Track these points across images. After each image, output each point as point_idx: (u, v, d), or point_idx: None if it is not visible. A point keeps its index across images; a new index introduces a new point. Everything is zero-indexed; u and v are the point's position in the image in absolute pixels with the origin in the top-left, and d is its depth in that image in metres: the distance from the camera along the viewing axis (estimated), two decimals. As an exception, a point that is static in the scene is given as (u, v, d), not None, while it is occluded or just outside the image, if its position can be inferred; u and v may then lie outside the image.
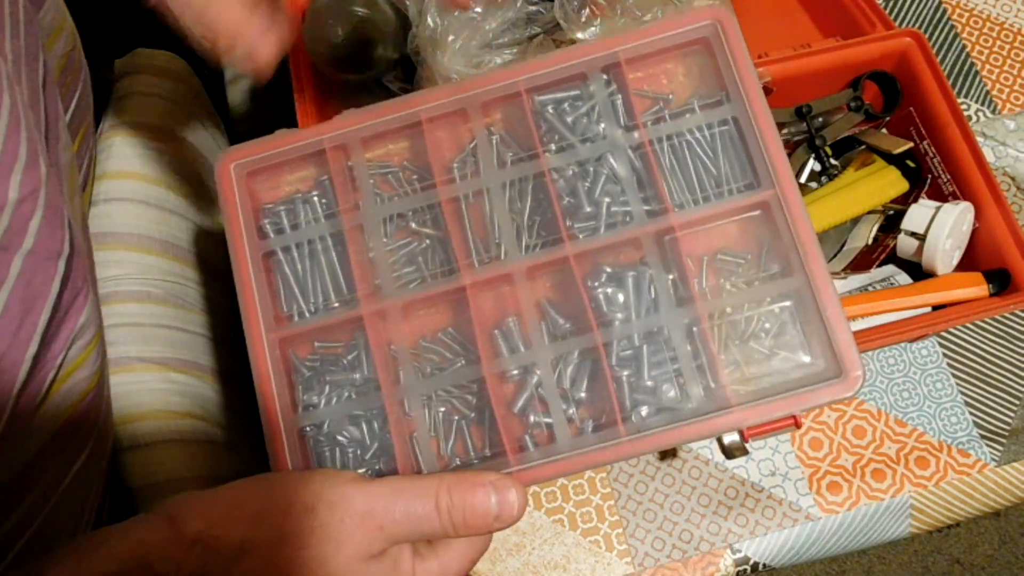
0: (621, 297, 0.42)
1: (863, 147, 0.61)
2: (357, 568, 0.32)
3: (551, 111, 0.44)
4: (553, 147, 0.43)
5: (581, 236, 0.42)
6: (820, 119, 0.61)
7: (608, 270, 0.43)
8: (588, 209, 0.43)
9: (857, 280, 0.58)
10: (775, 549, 0.58)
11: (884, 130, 0.62)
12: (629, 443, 0.39)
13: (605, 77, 0.44)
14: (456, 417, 0.42)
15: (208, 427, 0.56)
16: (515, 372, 0.42)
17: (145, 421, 0.53)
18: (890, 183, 0.58)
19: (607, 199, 0.43)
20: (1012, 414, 0.60)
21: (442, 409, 0.42)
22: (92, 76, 0.63)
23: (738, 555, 0.57)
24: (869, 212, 0.58)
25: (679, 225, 0.41)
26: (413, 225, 0.44)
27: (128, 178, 0.60)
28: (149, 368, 0.55)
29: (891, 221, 0.58)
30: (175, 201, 0.62)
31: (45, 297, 0.37)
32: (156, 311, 0.57)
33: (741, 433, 0.40)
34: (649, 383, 0.40)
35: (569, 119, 0.44)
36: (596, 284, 0.42)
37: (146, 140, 0.62)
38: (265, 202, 0.45)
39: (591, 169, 0.43)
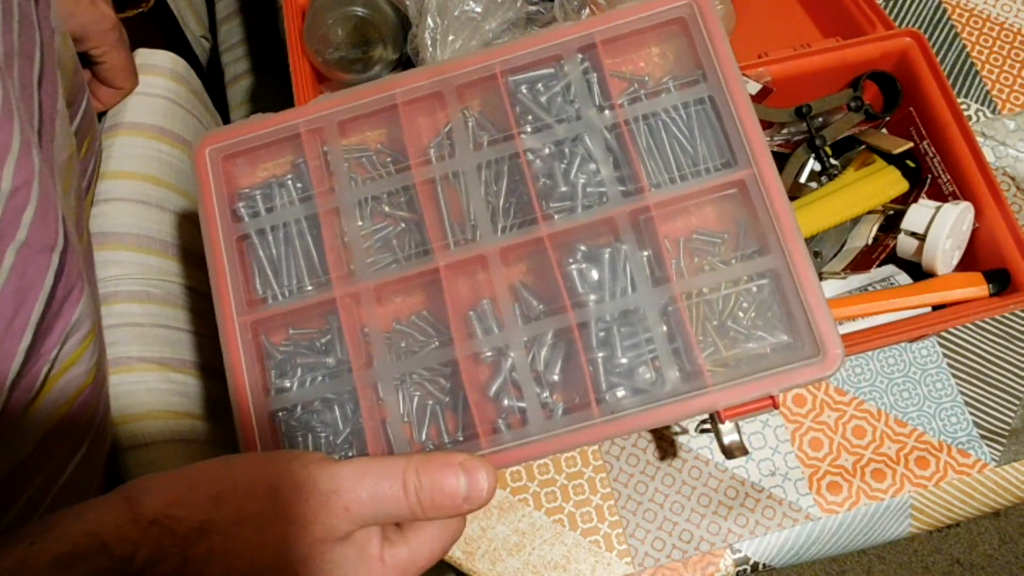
0: (596, 275, 0.41)
1: (863, 147, 0.61)
2: (321, 550, 0.31)
3: (526, 92, 0.44)
4: (529, 128, 0.43)
5: (556, 217, 0.42)
6: (820, 119, 0.61)
7: (583, 248, 0.42)
8: (564, 189, 0.42)
9: (857, 280, 0.57)
10: (775, 549, 0.58)
11: (884, 130, 0.62)
12: (603, 425, 0.38)
13: (580, 58, 0.44)
14: (430, 402, 0.42)
15: (208, 427, 0.56)
16: (489, 354, 0.41)
17: (145, 421, 0.53)
18: (890, 183, 0.58)
19: (583, 180, 0.42)
20: (1012, 414, 0.60)
21: (416, 394, 0.42)
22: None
23: (738, 555, 0.57)
24: (869, 212, 0.58)
25: (655, 205, 0.41)
26: (387, 208, 0.44)
27: (128, 178, 0.60)
28: (149, 368, 0.55)
29: (891, 221, 0.58)
30: (175, 201, 0.62)
31: (39, 290, 0.36)
32: (156, 311, 0.57)
33: (717, 414, 0.39)
34: (624, 364, 0.40)
35: (544, 99, 0.44)
36: (571, 262, 0.42)
37: (146, 140, 0.62)
38: (241, 187, 0.45)
39: (567, 150, 0.43)
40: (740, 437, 0.49)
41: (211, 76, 0.89)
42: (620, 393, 0.39)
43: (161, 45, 0.67)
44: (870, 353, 0.62)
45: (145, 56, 0.65)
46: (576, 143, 0.43)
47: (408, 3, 0.61)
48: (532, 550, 0.57)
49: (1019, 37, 0.71)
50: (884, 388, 0.61)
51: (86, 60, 0.59)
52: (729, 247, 0.42)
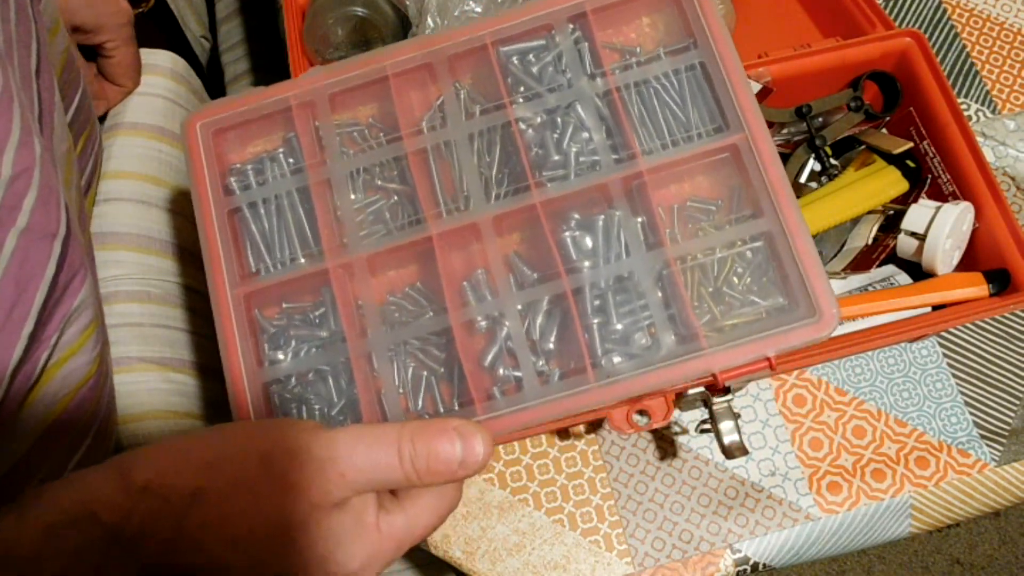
0: (590, 242, 0.41)
1: (863, 147, 0.61)
2: (318, 517, 0.31)
3: (517, 63, 0.44)
4: (520, 99, 0.43)
5: (549, 185, 0.42)
6: (820, 119, 0.61)
7: (577, 216, 0.42)
8: (556, 158, 0.42)
9: (857, 280, 0.57)
10: (775, 549, 0.58)
11: (884, 130, 0.62)
12: (598, 389, 0.38)
13: (571, 27, 0.44)
14: (424, 372, 0.42)
15: (208, 426, 0.56)
16: (483, 324, 0.41)
17: (145, 421, 0.53)
18: (890, 183, 0.58)
19: (575, 148, 0.42)
20: (1012, 414, 0.60)
21: (411, 364, 0.42)
22: (92, 76, 0.63)
23: (738, 555, 0.57)
24: (869, 212, 0.58)
25: (648, 171, 0.41)
26: (379, 181, 0.44)
27: (128, 178, 0.60)
28: (149, 368, 0.55)
29: (891, 221, 0.58)
30: (175, 201, 0.62)
31: (40, 277, 0.36)
32: (156, 311, 0.57)
33: (715, 378, 0.39)
34: (619, 330, 0.40)
35: (535, 70, 0.44)
36: (564, 229, 0.42)
37: (146, 140, 0.62)
38: (233, 162, 0.45)
39: (559, 119, 0.43)
40: (740, 437, 0.49)
41: (211, 76, 0.89)
42: (616, 359, 0.39)
43: (161, 45, 0.67)
44: (870, 353, 0.62)
45: (145, 56, 0.65)
46: (568, 112, 0.43)
47: (408, 3, 0.61)
48: (532, 550, 0.57)
49: (1019, 37, 0.71)
50: (884, 388, 0.61)
51: (91, 55, 0.59)
52: (723, 214, 0.42)
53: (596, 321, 0.40)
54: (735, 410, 0.49)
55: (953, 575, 1.27)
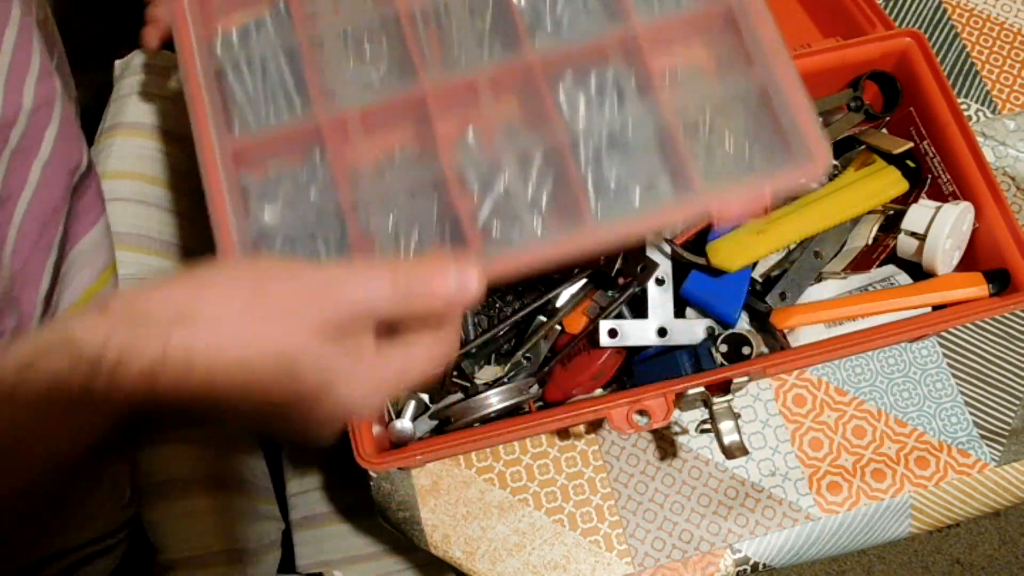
0: (584, 100, 0.42)
1: (863, 147, 0.61)
2: (315, 343, 0.29)
3: None
4: None
5: (544, 46, 0.42)
6: (820, 119, 0.61)
7: (571, 74, 0.42)
8: (550, 22, 0.43)
9: (857, 280, 0.57)
10: (775, 549, 0.58)
11: (884, 130, 0.62)
12: (594, 230, 0.38)
13: None
14: (417, 230, 0.41)
15: (208, 428, 0.56)
16: (477, 183, 0.41)
17: (145, 420, 0.53)
18: (890, 183, 0.58)
19: (569, 13, 0.43)
20: (1012, 414, 0.60)
21: (403, 221, 0.41)
22: (92, 77, 0.63)
23: (738, 555, 0.57)
24: (869, 212, 0.58)
25: (643, 32, 0.41)
26: (369, 45, 0.43)
27: (128, 178, 0.60)
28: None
29: (891, 221, 0.58)
30: (176, 201, 0.62)
31: (62, 208, 0.36)
32: (156, 311, 0.57)
33: (709, 224, 0.39)
34: (614, 187, 0.40)
35: None
36: (559, 86, 0.42)
37: (146, 140, 0.62)
38: (219, 24, 0.44)
39: None
40: (740, 437, 0.49)
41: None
42: (612, 210, 0.40)
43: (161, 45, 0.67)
44: (870, 353, 0.62)
45: (145, 56, 0.65)
46: None
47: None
48: (532, 550, 0.57)
49: (1019, 37, 0.71)
50: (884, 388, 0.61)
51: None
52: (718, 75, 0.43)
53: (591, 175, 0.40)
54: (735, 410, 0.49)
55: (953, 575, 1.27)
